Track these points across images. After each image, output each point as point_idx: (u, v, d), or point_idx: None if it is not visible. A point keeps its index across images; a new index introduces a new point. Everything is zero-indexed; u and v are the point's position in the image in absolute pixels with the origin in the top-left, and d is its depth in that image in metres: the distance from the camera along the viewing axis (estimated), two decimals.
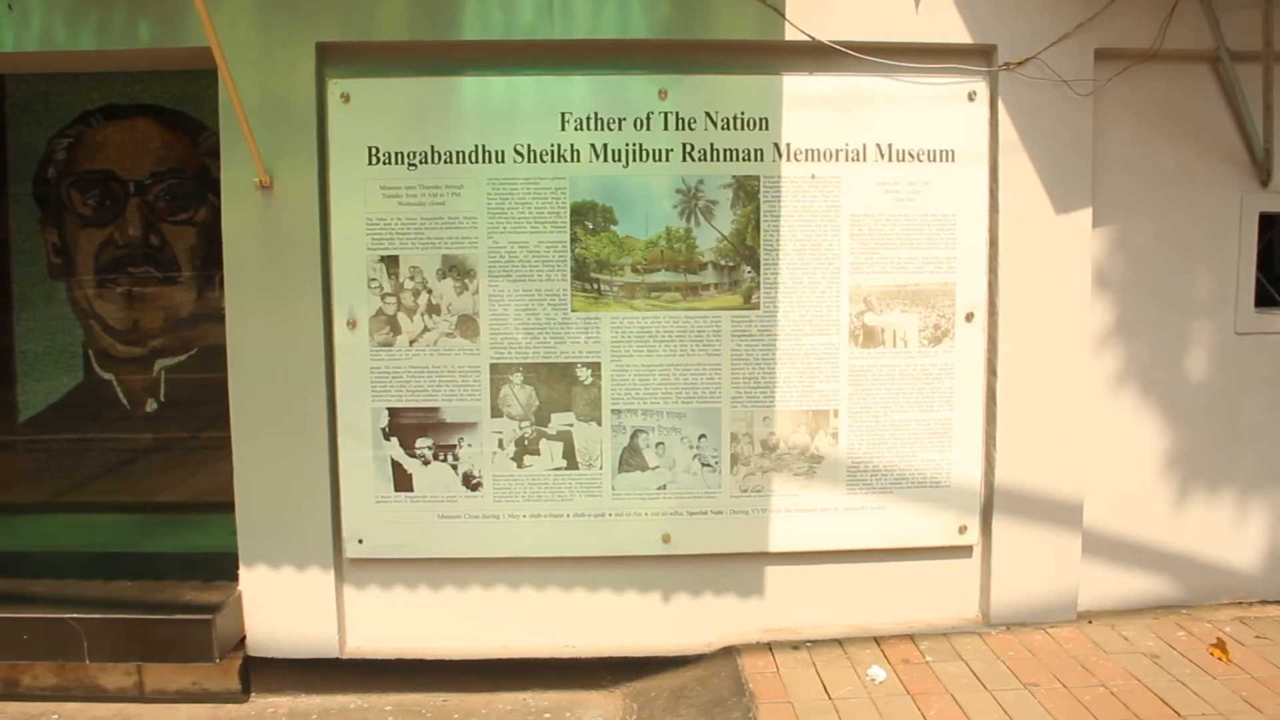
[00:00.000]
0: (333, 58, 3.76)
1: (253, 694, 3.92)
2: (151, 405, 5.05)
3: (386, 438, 3.84)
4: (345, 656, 3.95)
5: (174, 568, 4.31)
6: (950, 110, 3.79)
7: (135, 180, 4.94)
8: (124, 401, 5.06)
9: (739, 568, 3.94)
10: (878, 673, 3.61)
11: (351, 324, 3.78)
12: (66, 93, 4.98)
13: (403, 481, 3.84)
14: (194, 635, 3.73)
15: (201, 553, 4.50)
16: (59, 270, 5.03)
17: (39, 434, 5.11)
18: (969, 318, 3.83)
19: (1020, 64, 3.76)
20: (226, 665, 3.93)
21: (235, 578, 3.99)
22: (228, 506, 5.07)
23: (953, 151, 3.81)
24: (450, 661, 3.95)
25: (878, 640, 3.91)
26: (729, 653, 3.88)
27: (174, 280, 4.96)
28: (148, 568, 4.36)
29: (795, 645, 3.88)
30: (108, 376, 5.04)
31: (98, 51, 3.84)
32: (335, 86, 3.74)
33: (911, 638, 3.91)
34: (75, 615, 3.72)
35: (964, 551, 3.98)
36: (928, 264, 3.83)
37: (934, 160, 3.81)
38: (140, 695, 3.95)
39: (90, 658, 3.75)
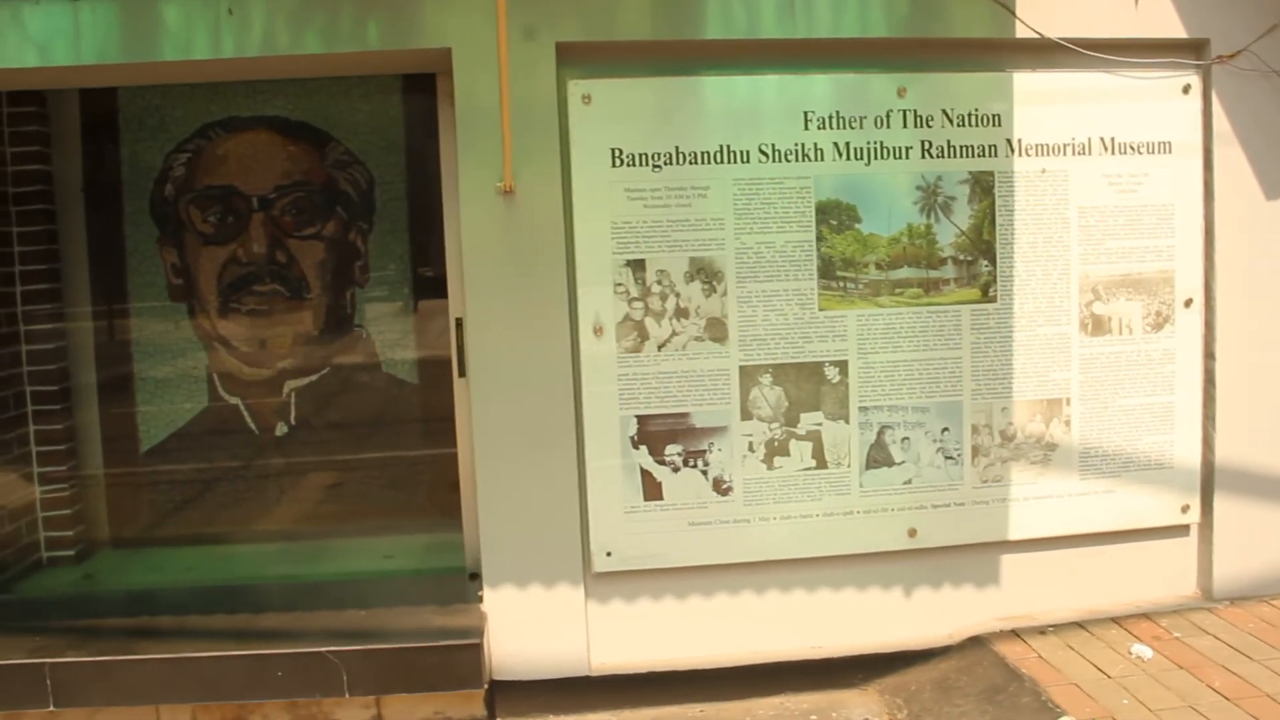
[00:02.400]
0: (572, 58, 3.74)
1: (498, 718, 3.81)
2: (282, 429, 4.94)
3: (635, 446, 3.82)
4: (593, 674, 3.87)
5: (344, 597, 4.22)
6: (1166, 103, 3.97)
7: (259, 195, 4.84)
8: (252, 426, 4.94)
9: (977, 558, 4.04)
10: (1143, 650, 3.75)
11: (598, 330, 3.76)
12: (183, 105, 4.86)
13: (652, 490, 3.83)
14: (461, 661, 3.67)
15: (365, 580, 4.57)
16: (179, 291, 4.90)
17: (162, 464, 4.90)
18: (1188, 304, 4.01)
19: (1232, 56, 3.96)
20: (470, 692, 3.82)
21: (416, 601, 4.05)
22: (373, 530, 4.99)
23: (1169, 143, 3.99)
24: (698, 671, 3.92)
25: (1116, 621, 4.04)
26: (978, 642, 3.97)
27: (302, 298, 4.84)
28: (318, 597, 4.22)
29: (1040, 630, 3.99)
30: (234, 400, 4.91)
31: (322, 56, 3.71)
32: (576, 88, 3.73)
33: (1148, 616, 4.07)
34: (333, 648, 3.61)
35: (1183, 530, 4.17)
36: (1149, 253, 4.00)
37: (1152, 152, 3.98)
38: None
39: (350, 691, 3.62)
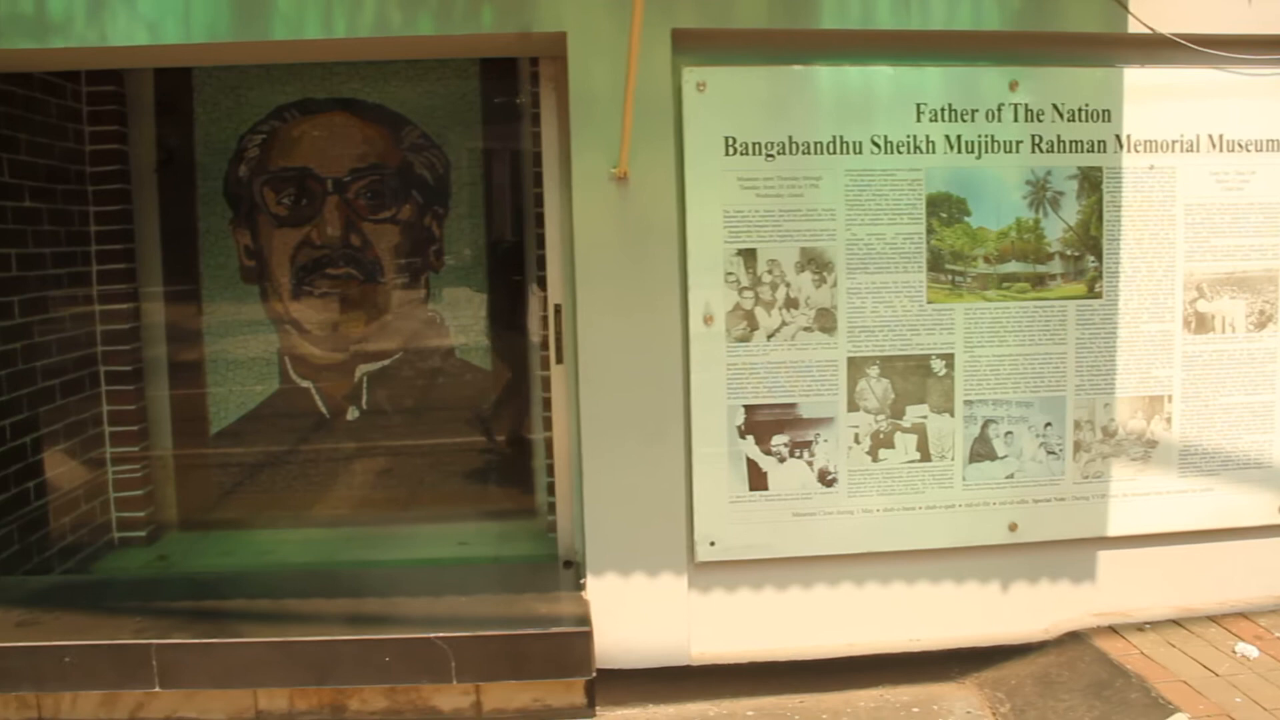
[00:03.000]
0: (687, 45, 3.75)
1: (598, 708, 3.83)
2: (353, 413, 4.94)
3: (742, 436, 3.84)
4: (692, 663, 3.87)
5: (435, 583, 4.27)
6: (1276, 101, 3.95)
7: (333, 177, 4.81)
8: (323, 410, 4.92)
9: (1075, 553, 4.07)
10: (1248, 649, 3.78)
11: (708, 319, 3.76)
12: (258, 87, 4.85)
13: (757, 480, 3.84)
14: (571, 649, 3.66)
15: (450, 566, 4.64)
16: (252, 273, 4.89)
17: (232, 446, 4.89)
18: None
19: None
20: (570, 680, 3.82)
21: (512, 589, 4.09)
22: (444, 517, 4.97)
23: (1277, 141, 3.97)
24: (795, 662, 3.93)
25: (1213, 619, 4.06)
26: (1077, 637, 4.00)
27: (376, 282, 4.83)
28: (410, 583, 4.24)
29: (1138, 627, 4.01)
30: (305, 384, 4.90)
31: (434, 38, 3.68)
32: (690, 75, 3.73)
33: (1245, 615, 4.10)
34: (442, 634, 3.59)
35: (1275, 531, 4.15)
36: (1254, 251, 4.02)
37: (1260, 149, 4.01)
38: (478, 716, 3.86)
39: (457, 678, 3.61)
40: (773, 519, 3.87)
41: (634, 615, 3.83)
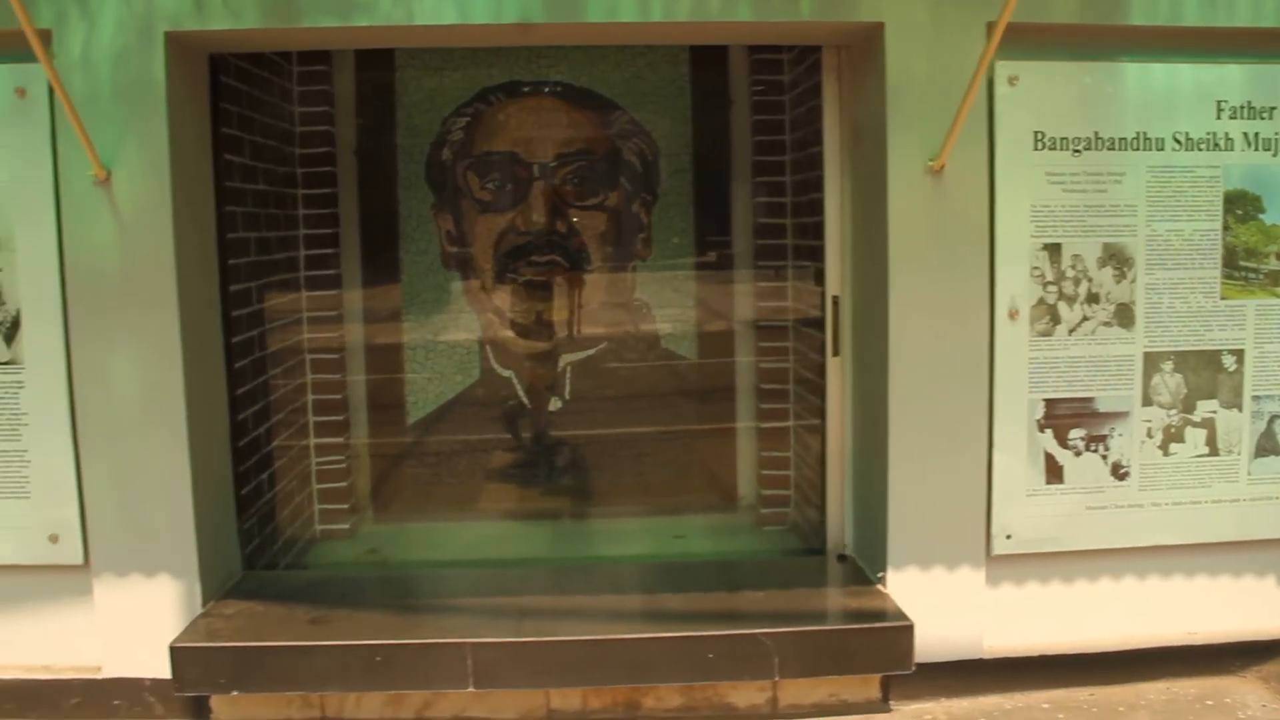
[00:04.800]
0: (1000, 39, 3.76)
1: (892, 702, 3.89)
2: (556, 404, 4.94)
3: (1041, 429, 3.92)
4: (984, 656, 3.95)
5: (703, 578, 4.34)
6: None
7: (540, 163, 4.81)
8: (524, 399, 4.91)
9: None
10: None
11: (1013, 314, 3.83)
12: (462, 68, 4.82)
13: (1053, 473, 3.93)
14: (893, 643, 3.72)
15: (706, 560, 4.70)
16: (453, 260, 4.85)
17: (430, 436, 4.88)
18: None
19: None
20: (867, 676, 3.89)
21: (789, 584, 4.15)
22: (653, 510, 5.00)
23: None
24: (1079, 655, 4.02)
25: None
26: None
27: (582, 269, 4.84)
28: (677, 579, 4.27)
29: None
30: (507, 373, 4.91)
31: (750, 24, 3.70)
32: (1003, 69, 3.79)
33: None
34: (766, 631, 3.61)
35: None
36: None
37: None
38: (773, 712, 3.91)
39: (780, 674, 3.65)
40: (1066, 512, 3.95)
41: (931, 609, 3.88)
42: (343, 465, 4.93)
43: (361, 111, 4.97)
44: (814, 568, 4.26)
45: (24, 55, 3.64)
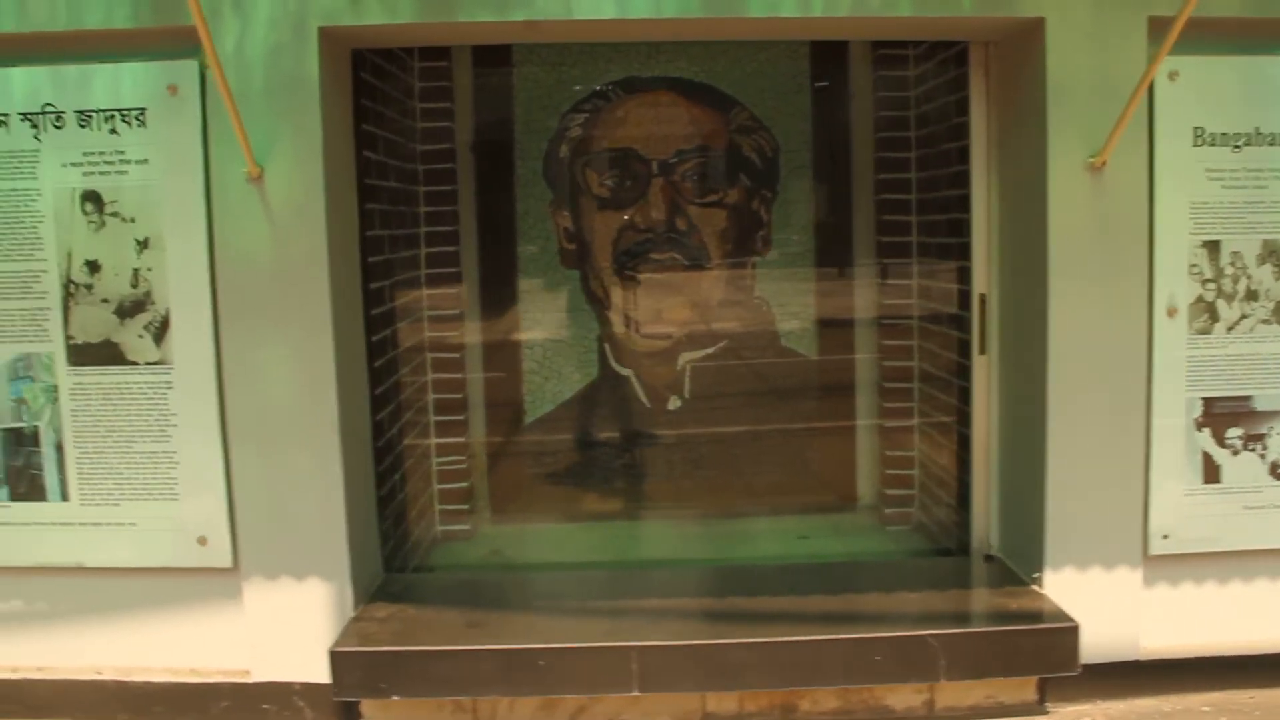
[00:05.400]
0: (1161, 33, 3.72)
1: (1048, 704, 3.86)
2: (674, 403, 4.91)
3: (1199, 428, 3.88)
4: (1140, 658, 3.92)
5: (848, 580, 4.32)
6: None
7: (659, 159, 4.77)
8: (643, 399, 4.88)
9: None
10: None
11: (1171, 311, 3.81)
12: (580, 64, 4.79)
13: (1210, 473, 3.91)
14: (1060, 645, 3.69)
15: (842, 562, 4.67)
16: (571, 257, 4.82)
17: (548, 436, 4.85)
18: None
19: None
20: (1023, 678, 3.86)
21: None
22: (772, 510, 4.97)
23: None
24: (1234, 657, 3.98)
25: None
26: None
27: (701, 267, 4.81)
28: (822, 580, 4.24)
29: None
30: (625, 372, 4.86)
31: (910, 19, 3.77)
32: (1163, 64, 3.72)
33: None
34: (932, 632, 3.58)
35: None
36: None
37: None
38: (930, 714, 3.91)
39: (946, 675, 3.62)
40: (1223, 512, 3.92)
41: (1087, 609, 3.86)
42: (463, 466, 4.89)
43: (479, 108, 4.94)
44: (961, 568, 4.24)
45: (175, 52, 3.62)
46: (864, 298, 5.04)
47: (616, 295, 5.07)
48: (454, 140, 4.91)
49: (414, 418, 4.64)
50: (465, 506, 4.94)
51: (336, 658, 3.58)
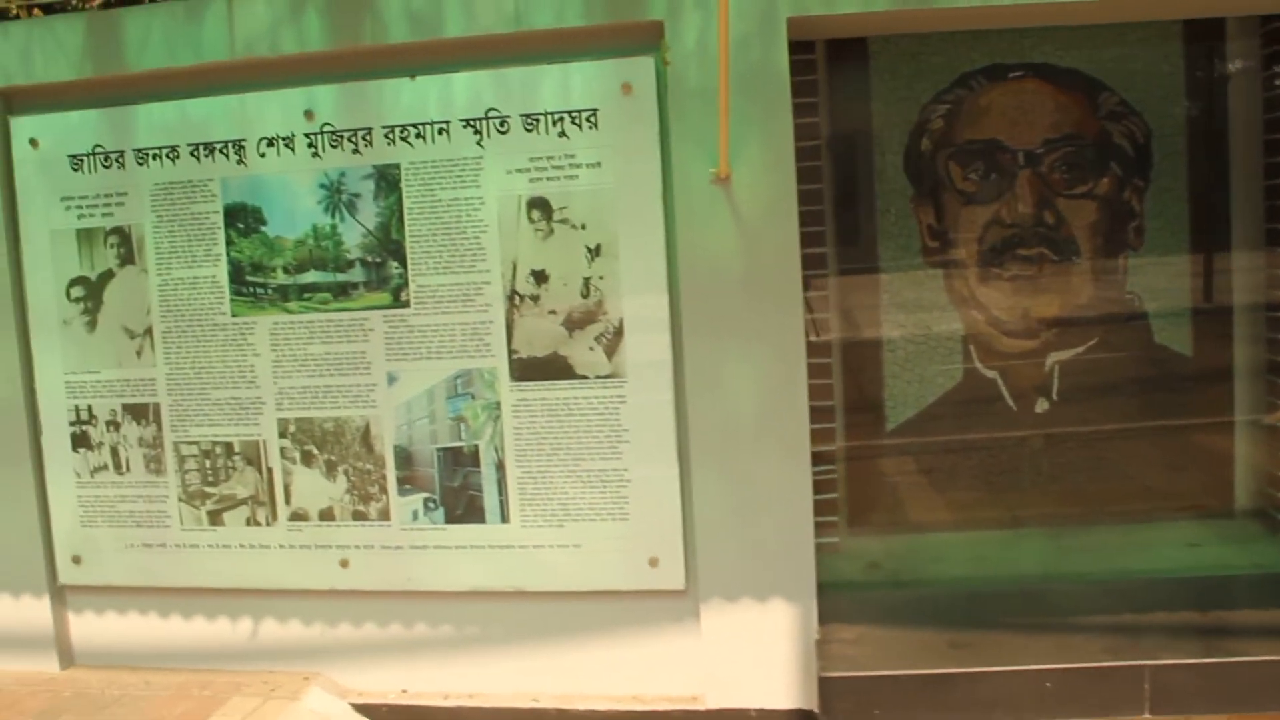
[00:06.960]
0: None
1: None
2: (1042, 405, 4.68)
3: None
4: None
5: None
6: None
7: (1025, 149, 4.54)
8: (1009, 401, 4.66)
9: None
10: None
11: None
12: (940, 53, 4.58)
13: None
14: None
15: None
16: (935, 254, 4.59)
17: (912, 440, 4.65)
18: None
19: None
20: None
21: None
22: (1156, 517, 4.74)
23: None
24: None
25: None
26: None
27: (1071, 262, 4.57)
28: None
29: None
30: (991, 374, 4.63)
31: None
32: None
33: None
34: None
35: None
36: None
37: None
38: None
39: None
40: None
41: None
42: (834, 475, 4.71)
43: (835, 101, 4.75)
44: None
45: (629, 49, 3.46)
46: (1247, 291, 4.81)
47: (982, 293, 4.87)
48: (820, 135, 4.71)
49: None
50: (835, 518, 4.74)
51: (827, 684, 3.41)
